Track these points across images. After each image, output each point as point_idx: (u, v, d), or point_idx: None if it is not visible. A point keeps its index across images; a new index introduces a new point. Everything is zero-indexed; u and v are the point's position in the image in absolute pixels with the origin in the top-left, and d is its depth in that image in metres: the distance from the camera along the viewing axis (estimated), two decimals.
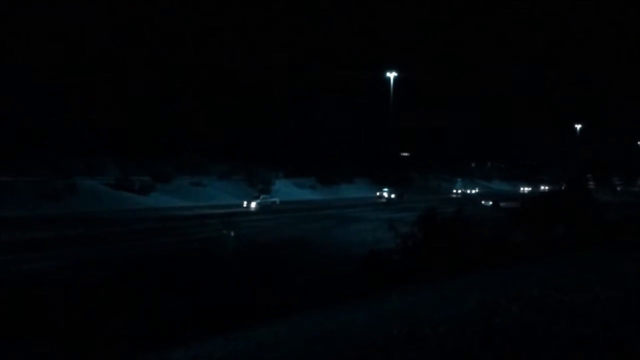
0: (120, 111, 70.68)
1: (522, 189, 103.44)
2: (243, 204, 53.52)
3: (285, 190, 72.62)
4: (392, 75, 70.44)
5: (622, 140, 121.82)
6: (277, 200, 57.02)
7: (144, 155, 63.22)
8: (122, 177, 57.10)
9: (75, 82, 68.28)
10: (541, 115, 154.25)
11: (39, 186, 48.05)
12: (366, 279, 16.32)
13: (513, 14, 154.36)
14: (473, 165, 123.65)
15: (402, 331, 6.34)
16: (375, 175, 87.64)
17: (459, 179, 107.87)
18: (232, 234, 29.62)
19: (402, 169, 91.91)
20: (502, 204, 50.24)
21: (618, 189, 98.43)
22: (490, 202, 59.34)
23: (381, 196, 70.65)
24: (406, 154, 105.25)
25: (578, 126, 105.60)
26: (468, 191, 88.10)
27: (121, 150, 62.97)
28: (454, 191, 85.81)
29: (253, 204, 52.87)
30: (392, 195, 70.57)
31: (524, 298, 7.56)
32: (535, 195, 67.21)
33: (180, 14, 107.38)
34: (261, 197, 55.58)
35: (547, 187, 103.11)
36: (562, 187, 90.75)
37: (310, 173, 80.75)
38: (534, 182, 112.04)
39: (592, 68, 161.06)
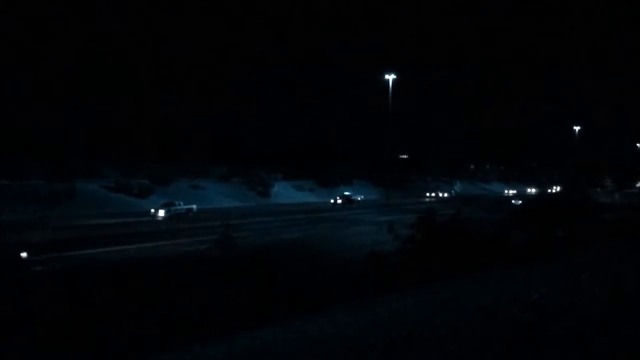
0: (120, 113, 70.75)
1: (506, 191, 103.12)
2: (150, 211, 45.14)
3: (285, 193, 72.71)
4: (390, 77, 70.57)
5: (621, 142, 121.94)
6: (193, 207, 48.29)
7: (144, 158, 63.31)
8: (121, 180, 57.14)
9: (75, 84, 68.34)
10: (541, 116, 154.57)
11: (38, 190, 48.04)
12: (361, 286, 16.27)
13: (513, 15, 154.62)
14: (472, 167, 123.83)
15: (401, 333, 6.35)
16: (375, 178, 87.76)
17: (457, 181, 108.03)
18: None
19: (401, 171, 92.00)
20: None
21: (616, 192, 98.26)
22: (520, 202, 58.65)
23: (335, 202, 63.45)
24: (405, 156, 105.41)
25: (577, 128, 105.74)
26: (441, 194, 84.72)
27: (121, 153, 63.05)
28: (427, 194, 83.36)
29: (161, 212, 44.54)
30: (339, 201, 63.59)
31: (523, 300, 7.58)
32: (534, 197, 67.19)
33: (176, 14, 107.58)
34: (173, 204, 47.21)
35: (533, 190, 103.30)
36: (551, 189, 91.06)
37: (310, 175, 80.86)
38: (522, 184, 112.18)
39: (591, 69, 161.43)
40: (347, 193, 70.60)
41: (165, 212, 44.61)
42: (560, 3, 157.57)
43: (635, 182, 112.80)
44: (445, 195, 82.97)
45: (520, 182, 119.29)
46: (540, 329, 5.89)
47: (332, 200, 64.22)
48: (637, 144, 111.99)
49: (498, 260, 16.91)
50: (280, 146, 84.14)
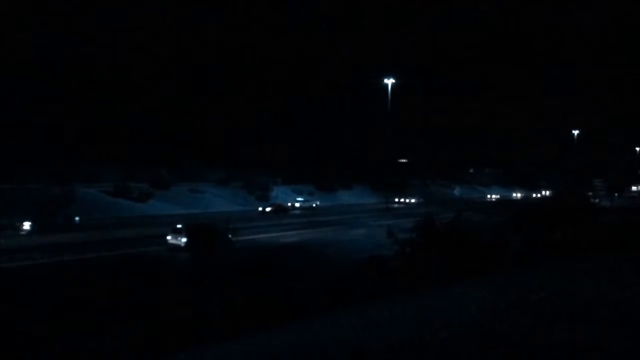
0: (119, 118, 70.85)
1: (488, 196, 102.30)
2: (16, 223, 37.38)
3: (284, 197, 72.65)
4: (389, 81, 70.72)
5: (618, 146, 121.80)
6: (76, 218, 41.39)
7: (143, 162, 63.36)
8: (120, 184, 57.13)
9: (74, 88, 68.46)
10: (540, 120, 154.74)
11: (37, 194, 47.99)
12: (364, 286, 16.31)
13: (512, 17, 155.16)
14: (471, 171, 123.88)
15: (401, 337, 6.37)
16: (374, 182, 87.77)
17: (457, 186, 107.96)
18: None
19: (400, 175, 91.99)
20: None
21: (614, 196, 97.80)
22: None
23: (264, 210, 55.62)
24: (404, 160, 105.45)
25: (575, 132, 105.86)
26: (409, 200, 79.90)
27: (120, 157, 63.10)
28: (397, 200, 77.95)
29: (26, 225, 37.43)
30: (267, 209, 55.64)
31: (523, 304, 7.60)
32: (533, 201, 67.20)
33: (176, 18, 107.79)
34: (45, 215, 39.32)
35: (519, 195, 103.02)
36: (537, 194, 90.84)
37: (309, 179, 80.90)
38: (521, 189, 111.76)
39: (590, 72, 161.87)
40: (300, 198, 66.81)
41: (32, 225, 37.52)
42: (560, 3, 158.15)
43: (631, 186, 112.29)
44: (413, 200, 79.69)
45: (520, 186, 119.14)
46: (540, 332, 5.92)
47: (260, 208, 56.27)
48: (636, 148, 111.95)
49: (497, 264, 16.92)
50: (280, 150, 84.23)
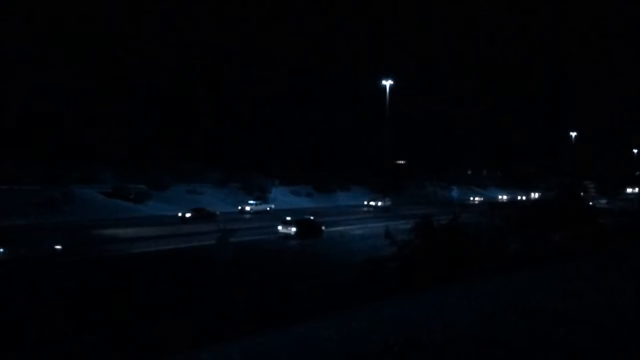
0: (118, 118, 70.67)
1: (471, 198, 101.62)
2: None
3: (282, 198, 72.63)
4: (387, 83, 70.82)
5: (615, 148, 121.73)
6: None
7: (141, 162, 63.29)
8: (118, 185, 57.15)
9: (73, 88, 68.29)
10: (538, 121, 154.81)
11: (35, 194, 47.95)
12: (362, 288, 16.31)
13: (509, 18, 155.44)
14: (469, 172, 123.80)
15: (398, 339, 6.34)
16: (372, 183, 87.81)
17: (455, 187, 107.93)
18: None
19: (398, 176, 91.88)
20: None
21: (613, 198, 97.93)
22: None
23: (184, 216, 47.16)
24: (402, 162, 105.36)
25: (573, 134, 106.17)
26: (375, 202, 76.12)
27: (118, 158, 63.02)
28: (366, 202, 75.98)
29: None
30: (187, 215, 47.09)
31: (520, 306, 7.58)
32: (531, 202, 67.19)
33: (176, 19, 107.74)
34: None
35: (505, 197, 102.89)
36: (522, 196, 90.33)
37: (307, 180, 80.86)
38: (520, 191, 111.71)
39: (587, 75, 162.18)
40: (251, 202, 61.71)
41: None
42: (558, 5, 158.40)
43: (625, 188, 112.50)
44: (380, 204, 77.83)
45: (517, 187, 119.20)
46: (539, 335, 5.90)
47: (179, 214, 47.55)
48: (634, 150, 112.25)
49: (495, 265, 16.92)
50: (278, 151, 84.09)
